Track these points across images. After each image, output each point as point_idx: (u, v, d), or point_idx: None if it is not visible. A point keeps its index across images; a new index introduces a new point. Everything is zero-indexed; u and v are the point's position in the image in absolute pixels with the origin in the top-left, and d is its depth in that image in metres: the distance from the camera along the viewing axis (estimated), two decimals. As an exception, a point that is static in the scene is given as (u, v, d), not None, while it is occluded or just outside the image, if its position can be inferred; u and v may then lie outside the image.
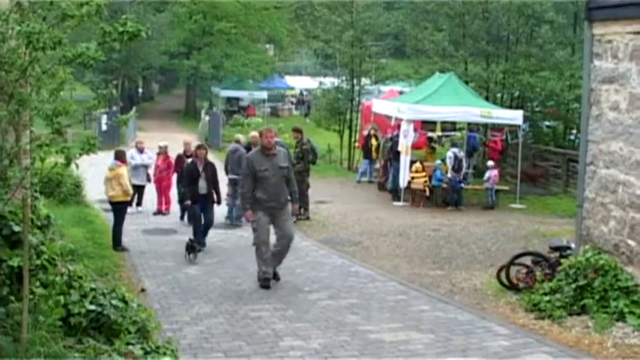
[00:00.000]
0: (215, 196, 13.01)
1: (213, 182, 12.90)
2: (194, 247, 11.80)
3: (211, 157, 17.00)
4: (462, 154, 19.45)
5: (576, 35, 25.62)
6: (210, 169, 13.00)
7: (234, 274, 10.77)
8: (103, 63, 11.83)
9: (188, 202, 13.05)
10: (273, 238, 10.17)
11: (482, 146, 24.02)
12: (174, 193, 16.59)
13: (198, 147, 13.51)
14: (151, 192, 17.18)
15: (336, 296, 9.41)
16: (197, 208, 12.81)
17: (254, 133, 16.98)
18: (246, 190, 10.00)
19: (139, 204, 16.78)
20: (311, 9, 40.88)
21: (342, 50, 28.49)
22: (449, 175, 18.77)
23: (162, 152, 17.15)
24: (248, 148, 15.84)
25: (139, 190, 16.42)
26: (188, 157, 15.14)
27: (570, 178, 21.06)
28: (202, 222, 12.85)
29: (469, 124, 22.61)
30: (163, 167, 16.84)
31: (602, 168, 9.04)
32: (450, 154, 19.21)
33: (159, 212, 16.86)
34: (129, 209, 14.65)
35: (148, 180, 16.87)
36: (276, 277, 10.18)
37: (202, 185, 12.79)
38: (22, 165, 5.15)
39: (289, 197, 10.20)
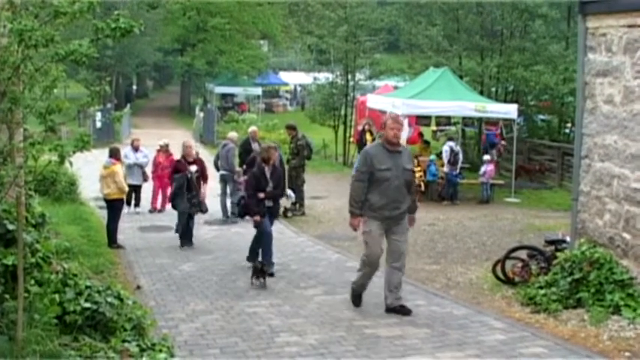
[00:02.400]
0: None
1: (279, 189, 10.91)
2: (264, 270, 9.79)
3: (206, 153, 17.09)
4: (457, 147, 19.46)
5: (570, 29, 25.63)
6: (277, 175, 10.79)
7: (230, 271, 10.75)
8: (96, 60, 11.83)
9: (257, 218, 10.46)
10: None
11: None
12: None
13: (268, 148, 11.02)
14: (147, 189, 17.00)
15: (332, 292, 9.40)
16: (266, 224, 10.57)
17: (253, 128, 16.96)
18: (359, 193, 8.11)
19: (137, 205, 16.48)
20: (305, 4, 40.84)
21: (336, 45, 28.49)
22: (445, 169, 18.79)
23: (163, 150, 16.97)
24: (248, 143, 15.71)
25: (135, 190, 16.00)
26: (189, 163, 12.85)
27: (565, 171, 21.09)
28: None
29: (464, 118, 22.62)
30: (166, 165, 16.12)
31: (597, 161, 9.05)
32: (446, 147, 19.23)
33: (154, 210, 16.77)
34: (126, 209, 14.59)
35: (145, 179, 16.44)
36: (404, 310, 8.25)
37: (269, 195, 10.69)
38: (16, 163, 5.13)
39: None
